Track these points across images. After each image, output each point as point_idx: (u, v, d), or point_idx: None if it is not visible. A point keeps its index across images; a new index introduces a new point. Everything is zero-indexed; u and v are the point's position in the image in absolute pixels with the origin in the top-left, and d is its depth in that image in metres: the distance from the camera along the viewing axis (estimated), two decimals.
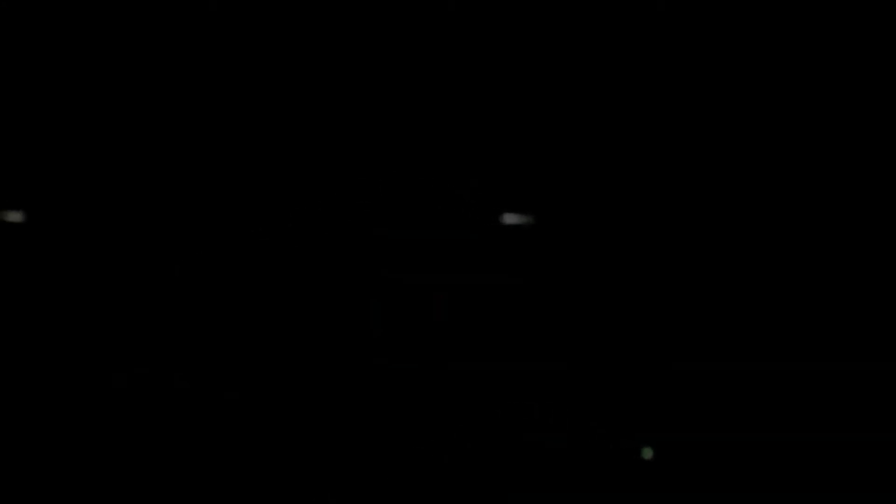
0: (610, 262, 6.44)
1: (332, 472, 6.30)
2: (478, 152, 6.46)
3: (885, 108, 6.45)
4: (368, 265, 6.42)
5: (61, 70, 6.45)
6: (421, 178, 6.45)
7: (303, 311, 6.39)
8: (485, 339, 6.41)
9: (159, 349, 6.35)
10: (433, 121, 6.46)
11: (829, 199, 6.46)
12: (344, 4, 6.47)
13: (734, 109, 6.45)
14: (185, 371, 6.33)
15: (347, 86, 6.48)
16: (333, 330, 6.39)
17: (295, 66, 6.47)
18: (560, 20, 6.46)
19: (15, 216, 6.34)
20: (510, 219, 5.83)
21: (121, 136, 6.46)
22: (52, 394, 6.33)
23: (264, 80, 6.47)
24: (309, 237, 6.41)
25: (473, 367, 6.39)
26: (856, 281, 6.44)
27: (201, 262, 6.39)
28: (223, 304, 6.38)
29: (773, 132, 6.47)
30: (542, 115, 6.47)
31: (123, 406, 6.31)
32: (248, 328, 6.38)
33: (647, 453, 6.21)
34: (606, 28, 6.45)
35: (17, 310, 6.36)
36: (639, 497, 6.35)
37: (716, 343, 6.42)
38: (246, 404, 6.32)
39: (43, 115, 6.45)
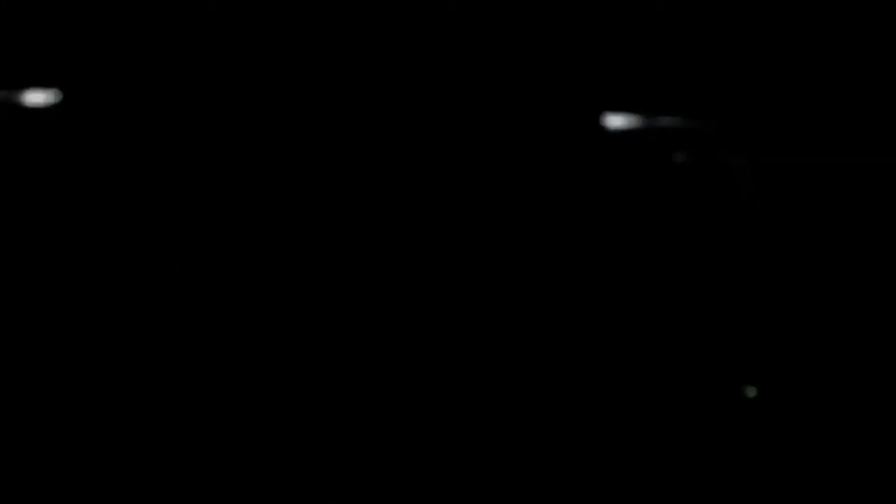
0: (606, 262, 6.46)
1: (332, 472, 6.29)
2: (479, 152, 6.49)
3: (884, 108, 6.49)
4: (369, 265, 6.43)
5: (55, 71, 6.47)
6: (421, 177, 6.47)
7: (303, 310, 6.39)
8: (484, 337, 6.42)
9: (158, 349, 6.35)
10: (434, 120, 6.49)
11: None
12: (344, 4, 6.50)
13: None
14: (184, 370, 6.33)
15: (347, 85, 6.50)
16: (333, 330, 6.39)
17: (295, 66, 6.49)
18: (561, 19, 6.50)
19: None
20: None
21: (117, 136, 6.48)
22: (48, 393, 6.33)
23: (264, 80, 6.49)
24: (309, 237, 6.43)
25: (473, 367, 6.40)
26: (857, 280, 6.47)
27: (200, 262, 6.40)
28: (222, 303, 6.39)
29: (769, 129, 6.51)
30: (542, 114, 6.50)
31: (123, 406, 6.31)
32: (248, 328, 6.38)
33: (751, 392, 6.09)
34: (608, 27, 6.49)
35: (8, 310, 6.37)
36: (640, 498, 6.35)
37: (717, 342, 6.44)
38: (246, 404, 6.32)
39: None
